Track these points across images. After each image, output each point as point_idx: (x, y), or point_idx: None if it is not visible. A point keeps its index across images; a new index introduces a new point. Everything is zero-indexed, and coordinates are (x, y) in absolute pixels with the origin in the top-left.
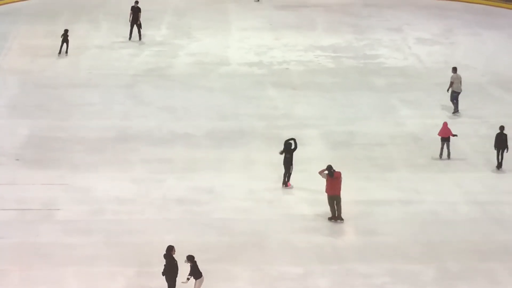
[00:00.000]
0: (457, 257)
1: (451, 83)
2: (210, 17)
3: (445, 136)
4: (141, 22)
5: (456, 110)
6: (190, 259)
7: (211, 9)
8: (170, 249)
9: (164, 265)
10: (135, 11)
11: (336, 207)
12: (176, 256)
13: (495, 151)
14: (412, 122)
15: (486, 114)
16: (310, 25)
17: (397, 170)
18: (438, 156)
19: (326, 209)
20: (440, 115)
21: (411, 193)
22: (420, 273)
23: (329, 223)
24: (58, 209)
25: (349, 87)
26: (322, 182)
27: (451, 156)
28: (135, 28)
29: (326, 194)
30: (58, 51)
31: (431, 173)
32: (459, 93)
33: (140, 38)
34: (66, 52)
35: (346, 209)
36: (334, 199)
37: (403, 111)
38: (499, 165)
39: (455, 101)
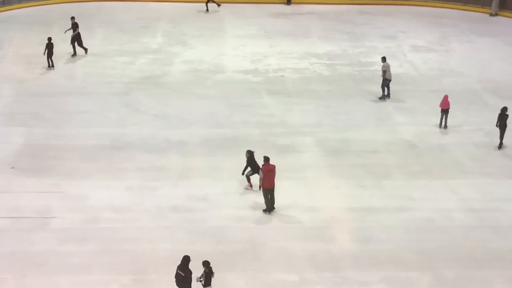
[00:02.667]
0: (452, 265)
1: (384, 72)
2: (205, 25)
3: (445, 108)
4: (77, 36)
5: (385, 96)
6: (206, 264)
7: (206, 16)
8: (187, 260)
9: (177, 275)
10: (73, 27)
11: (270, 199)
12: (175, 265)
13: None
14: (407, 129)
15: (480, 122)
16: (305, 33)
17: (392, 177)
18: (433, 162)
19: (321, 216)
20: (435, 122)
21: (406, 200)
22: (416, 280)
23: (325, 231)
24: (53, 217)
25: (344, 95)
26: (318, 189)
27: (448, 125)
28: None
29: (262, 187)
30: (47, 65)
31: (426, 180)
32: (390, 80)
33: (85, 52)
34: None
35: (341, 216)
36: (270, 192)
37: (398, 119)
38: (500, 144)
39: (386, 88)
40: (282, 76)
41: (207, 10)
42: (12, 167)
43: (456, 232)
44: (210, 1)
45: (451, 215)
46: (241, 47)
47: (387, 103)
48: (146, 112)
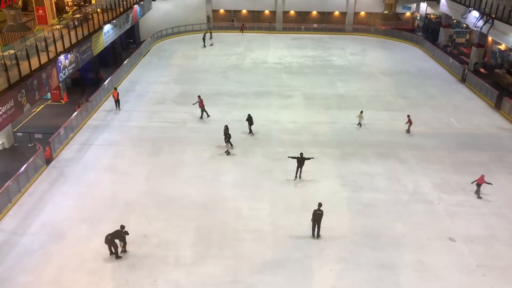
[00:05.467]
0: None
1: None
2: (261, 43)
3: None
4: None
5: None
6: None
7: (262, 40)
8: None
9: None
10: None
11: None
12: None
13: None
14: (343, 89)
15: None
16: (304, 46)
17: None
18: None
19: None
20: (362, 87)
21: None
22: None
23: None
24: None
25: (316, 74)
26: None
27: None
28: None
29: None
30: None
31: None
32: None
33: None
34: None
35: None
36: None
37: (339, 84)
38: None
39: None
40: (291, 65)
41: (204, 45)
42: (174, 101)
43: None
44: (205, 37)
45: None
46: (276, 52)
47: (335, 78)
48: (231, 80)
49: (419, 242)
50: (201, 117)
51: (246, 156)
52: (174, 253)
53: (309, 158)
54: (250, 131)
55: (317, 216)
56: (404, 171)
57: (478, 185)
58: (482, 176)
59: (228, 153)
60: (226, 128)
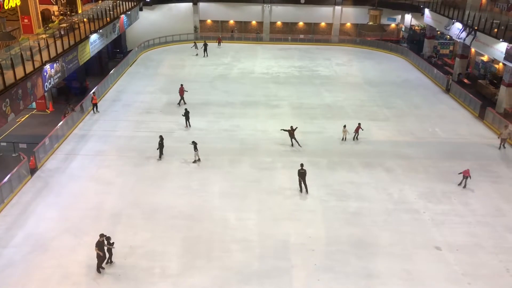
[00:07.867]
0: None
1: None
2: (248, 53)
3: None
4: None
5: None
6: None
7: (249, 50)
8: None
9: None
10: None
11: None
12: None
13: None
14: (330, 99)
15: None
16: (291, 57)
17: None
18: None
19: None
20: (348, 97)
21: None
22: None
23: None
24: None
25: (302, 83)
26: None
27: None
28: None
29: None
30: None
31: None
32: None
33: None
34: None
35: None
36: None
37: (325, 94)
38: None
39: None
40: (278, 75)
41: (206, 55)
42: (161, 111)
43: None
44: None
45: None
46: (263, 63)
47: (321, 88)
48: (219, 89)
49: (406, 251)
50: (179, 104)
51: (233, 166)
52: (161, 264)
53: (295, 128)
54: (187, 125)
55: (302, 174)
56: (390, 180)
57: (465, 177)
58: (467, 170)
59: (195, 161)
60: (161, 139)
